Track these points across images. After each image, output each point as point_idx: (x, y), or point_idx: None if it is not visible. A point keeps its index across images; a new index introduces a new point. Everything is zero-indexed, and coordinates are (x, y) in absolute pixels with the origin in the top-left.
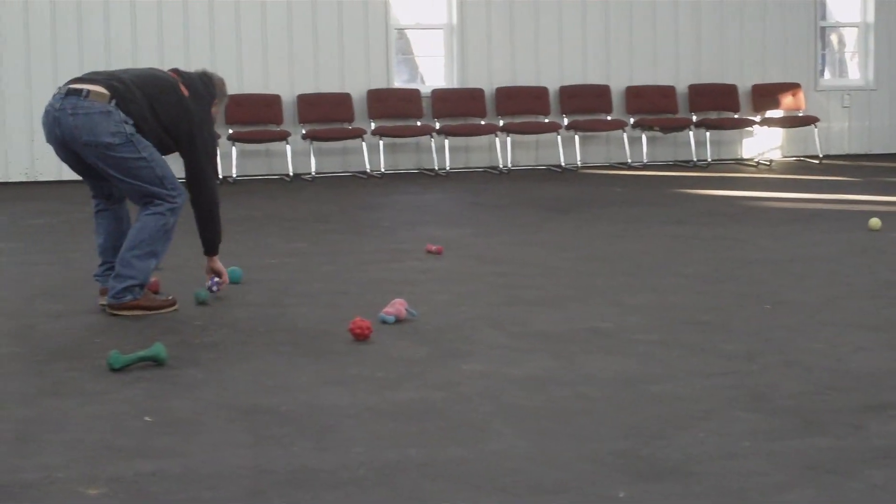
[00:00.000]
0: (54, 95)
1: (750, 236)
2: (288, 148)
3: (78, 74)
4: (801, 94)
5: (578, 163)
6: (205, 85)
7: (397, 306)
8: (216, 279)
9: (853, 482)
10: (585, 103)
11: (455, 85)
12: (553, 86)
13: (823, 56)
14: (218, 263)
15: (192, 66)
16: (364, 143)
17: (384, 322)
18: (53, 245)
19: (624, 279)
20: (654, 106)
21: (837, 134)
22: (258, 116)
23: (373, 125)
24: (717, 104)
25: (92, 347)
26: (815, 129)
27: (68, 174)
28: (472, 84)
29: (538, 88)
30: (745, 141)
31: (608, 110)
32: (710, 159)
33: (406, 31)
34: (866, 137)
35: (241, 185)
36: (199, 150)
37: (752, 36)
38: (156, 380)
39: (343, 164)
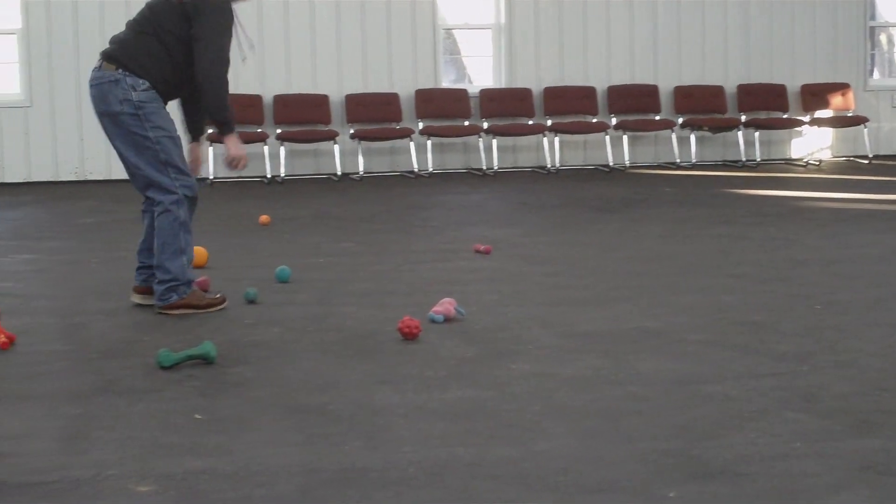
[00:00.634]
0: None
1: (799, 236)
2: (336, 148)
3: None
4: (850, 94)
5: (626, 163)
6: None
7: (446, 305)
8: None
9: None
10: (634, 103)
11: (503, 85)
12: (601, 85)
13: (873, 56)
14: (198, 151)
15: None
16: (412, 143)
17: (433, 321)
18: (103, 244)
19: (673, 279)
20: (702, 106)
21: (887, 134)
22: (306, 116)
23: (420, 125)
24: (766, 104)
25: (142, 345)
26: (865, 129)
27: (118, 173)
28: (520, 84)
29: (586, 88)
30: (794, 141)
31: (657, 110)
32: (758, 159)
33: (453, 30)
34: None
35: (290, 184)
36: (206, 27)
37: (802, 36)
38: (205, 378)
39: (391, 164)
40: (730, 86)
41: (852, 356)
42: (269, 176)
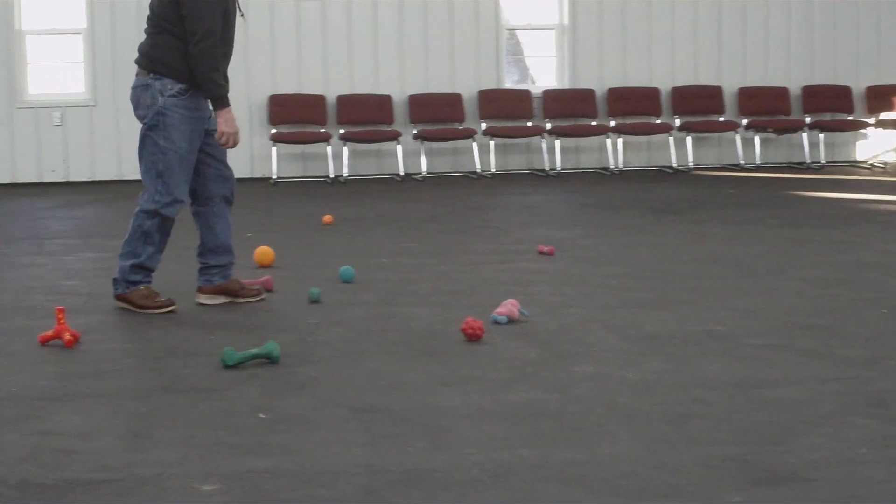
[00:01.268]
0: None
1: (865, 239)
2: (399, 148)
3: None
4: None
5: (690, 164)
6: None
7: (509, 307)
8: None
9: None
10: (697, 104)
11: (566, 85)
12: (665, 86)
13: None
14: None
15: (303, 65)
16: (474, 144)
17: (496, 323)
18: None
19: (738, 282)
20: (766, 107)
21: None
22: (369, 117)
23: (483, 125)
24: (831, 106)
25: (206, 345)
26: None
27: None
28: (583, 84)
29: (650, 89)
30: (858, 143)
31: (720, 111)
32: (823, 161)
33: (516, 31)
34: None
35: (352, 184)
36: (191, 5)
37: (867, 36)
38: (269, 377)
39: (453, 164)
40: (794, 87)
41: None
42: (332, 176)
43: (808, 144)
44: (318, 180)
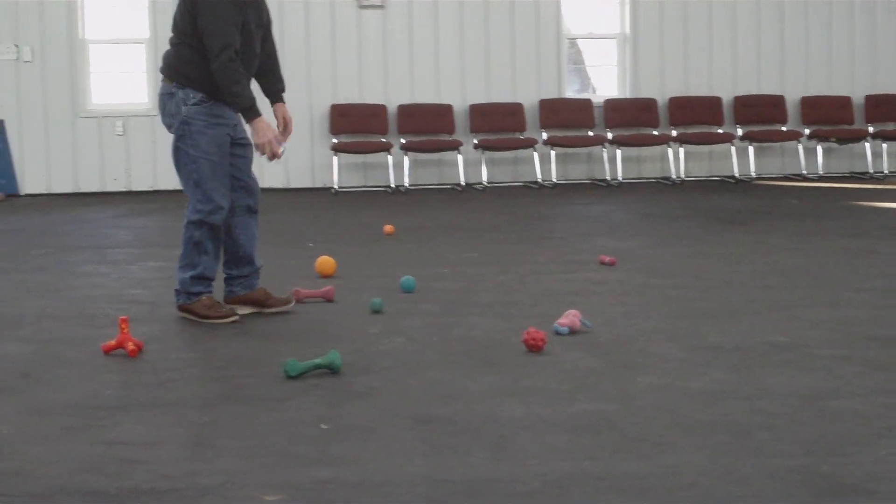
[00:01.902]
0: None
1: None
2: (459, 157)
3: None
4: None
5: (752, 174)
6: None
7: (571, 317)
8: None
9: None
10: (760, 113)
11: (627, 95)
12: (727, 96)
13: None
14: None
15: (364, 75)
16: (535, 153)
17: (558, 333)
18: None
19: (801, 293)
20: (829, 116)
21: None
22: (430, 126)
23: (544, 135)
24: (894, 115)
25: (268, 354)
26: None
27: None
28: (644, 94)
29: (712, 98)
30: None
31: (783, 121)
32: (886, 171)
33: (577, 40)
34: None
35: (413, 194)
36: (206, 19)
37: None
38: (331, 387)
39: (514, 174)
40: (857, 96)
41: None
42: (393, 185)
43: (871, 154)
44: (378, 190)
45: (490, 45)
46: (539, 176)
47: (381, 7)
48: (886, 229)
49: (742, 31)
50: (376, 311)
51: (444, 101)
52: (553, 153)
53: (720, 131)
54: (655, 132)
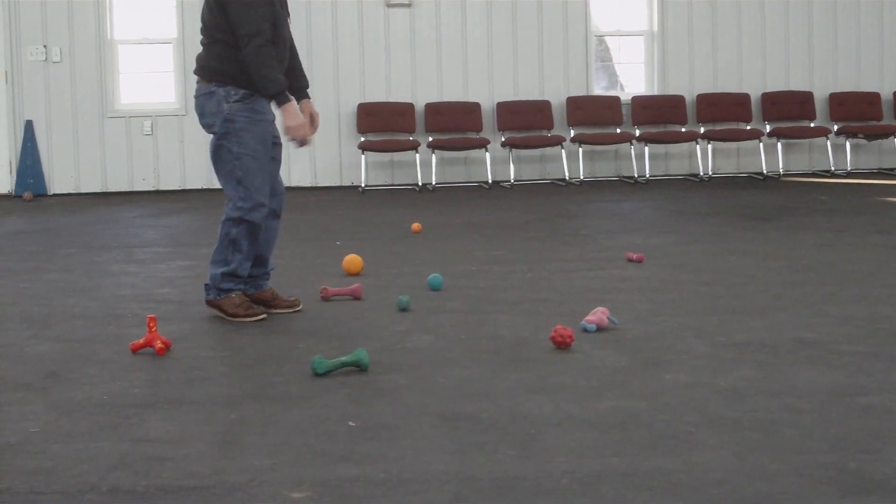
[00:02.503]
0: None
1: None
2: (487, 155)
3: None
4: None
5: (780, 170)
6: None
7: (599, 314)
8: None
9: None
10: (788, 110)
11: (655, 92)
12: (755, 92)
13: None
14: (307, 105)
15: (392, 74)
16: (563, 151)
17: (585, 330)
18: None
19: (830, 289)
20: (858, 113)
21: None
22: (458, 124)
23: (572, 132)
24: None
25: (295, 352)
26: None
27: None
28: (672, 91)
29: (740, 95)
30: None
31: (811, 117)
32: None
33: (605, 37)
34: None
35: (441, 192)
36: (234, 9)
37: None
38: (358, 385)
39: (542, 172)
40: (886, 92)
41: None
42: (420, 183)
43: None
44: (406, 188)
45: (517, 43)
46: (566, 173)
47: (408, 5)
48: None
49: (770, 28)
50: (403, 309)
51: (472, 99)
52: (581, 150)
53: (748, 128)
54: (683, 129)
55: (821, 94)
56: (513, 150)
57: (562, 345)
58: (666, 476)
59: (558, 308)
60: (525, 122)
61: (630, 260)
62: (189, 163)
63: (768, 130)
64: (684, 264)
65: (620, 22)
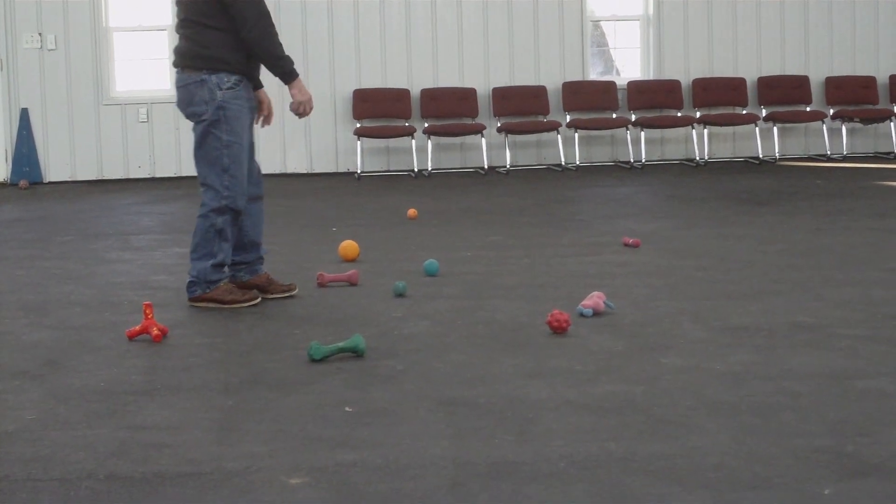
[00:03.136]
0: None
1: None
2: (483, 141)
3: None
4: None
5: (776, 155)
6: None
7: (595, 299)
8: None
9: None
10: (784, 94)
11: (651, 76)
12: (751, 77)
13: None
14: (264, 95)
15: (388, 60)
16: (559, 136)
17: (582, 315)
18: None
19: (826, 273)
20: (853, 97)
21: None
22: (453, 110)
23: (568, 118)
24: None
25: (292, 338)
26: None
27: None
28: (668, 75)
29: (736, 79)
30: None
31: (807, 101)
32: None
33: (601, 22)
34: None
35: (437, 178)
36: None
37: None
38: (355, 371)
39: (538, 157)
40: (881, 76)
41: None
42: (416, 169)
43: None
44: (402, 174)
45: (513, 28)
46: (562, 159)
47: None
48: None
49: (766, 12)
50: (400, 295)
51: (468, 84)
52: (576, 136)
53: (744, 112)
54: (679, 114)
55: (816, 78)
56: (509, 135)
57: (558, 329)
58: (663, 460)
59: (555, 293)
60: (521, 107)
61: (626, 245)
62: (185, 150)
63: (764, 115)
64: (680, 249)
65: (616, 6)
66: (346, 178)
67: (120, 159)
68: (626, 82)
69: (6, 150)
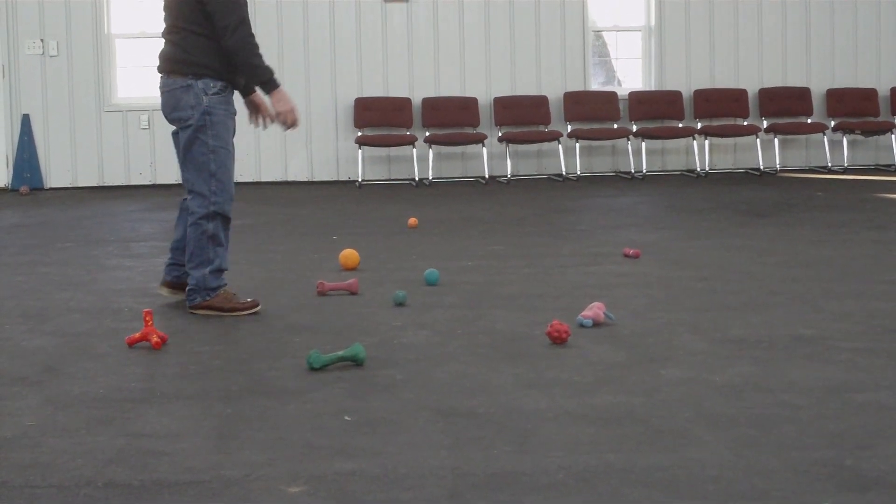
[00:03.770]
0: None
1: None
2: (484, 150)
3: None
4: None
5: (777, 166)
6: None
7: (595, 310)
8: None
9: None
10: (785, 106)
11: (652, 87)
12: (752, 88)
13: None
14: (259, 98)
15: (389, 68)
16: (560, 146)
17: (582, 326)
18: (253, 245)
19: (826, 285)
20: (855, 109)
21: None
22: (454, 119)
23: (569, 128)
24: None
25: (292, 347)
26: None
27: (267, 175)
28: (669, 86)
29: (737, 91)
30: None
31: (808, 113)
32: None
33: (602, 33)
34: None
35: (438, 187)
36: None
37: None
38: (355, 380)
39: (538, 167)
40: (883, 88)
41: None
42: (417, 179)
43: None
44: (403, 183)
45: (515, 38)
46: (563, 169)
47: (405, 0)
48: None
49: (767, 23)
50: (400, 304)
51: (469, 94)
52: (578, 146)
53: (745, 123)
54: (680, 124)
55: (818, 89)
56: (510, 145)
57: (558, 340)
58: (662, 472)
59: (555, 303)
60: (522, 117)
61: (627, 255)
62: None
63: (765, 126)
64: (681, 260)
65: (618, 17)
66: (347, 186)
67: (121, 166)
68: (627, 93)
69: (7, 156)
